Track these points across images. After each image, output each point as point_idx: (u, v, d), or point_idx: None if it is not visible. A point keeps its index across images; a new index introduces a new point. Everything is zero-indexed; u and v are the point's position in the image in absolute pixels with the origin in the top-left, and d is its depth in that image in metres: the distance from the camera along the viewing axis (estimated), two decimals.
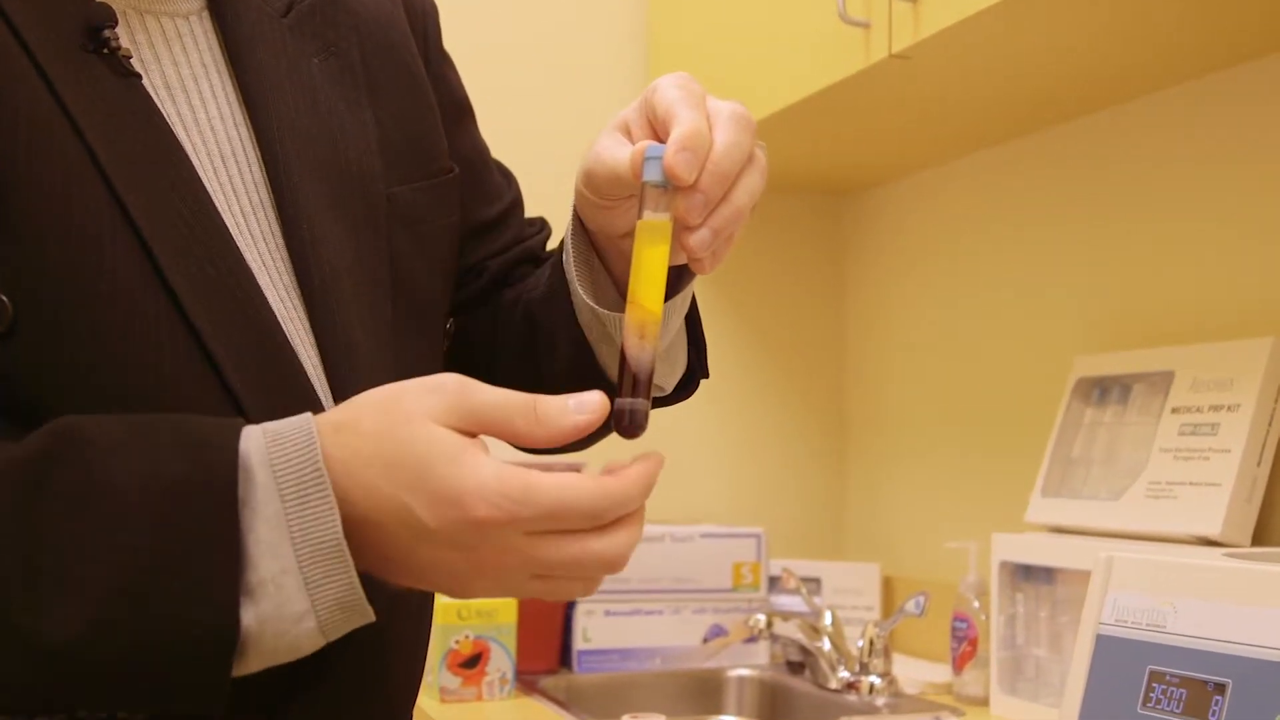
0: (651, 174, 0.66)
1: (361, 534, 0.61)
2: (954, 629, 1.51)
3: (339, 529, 0.59)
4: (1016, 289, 1.67)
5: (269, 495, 0.59)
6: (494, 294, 0.92)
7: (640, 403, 0.65)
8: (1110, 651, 0.90)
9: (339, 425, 0.61)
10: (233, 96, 0.76)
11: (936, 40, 1.27)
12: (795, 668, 1.64)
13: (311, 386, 0.71)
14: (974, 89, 1.45)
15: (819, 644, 1.59)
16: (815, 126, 1.62)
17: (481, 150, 0.95)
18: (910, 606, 1.52)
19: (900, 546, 1.88)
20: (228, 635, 0.58)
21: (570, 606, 1.68)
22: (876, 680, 1.55)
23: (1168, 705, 0.85)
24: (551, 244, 0.97)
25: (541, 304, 0.84)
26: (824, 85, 1.45)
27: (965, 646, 1.50)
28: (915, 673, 1.60)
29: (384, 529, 0.60)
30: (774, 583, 1.80)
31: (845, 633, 1.61)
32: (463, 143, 0.91)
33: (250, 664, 0.60)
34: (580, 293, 0.79)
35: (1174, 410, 1.32)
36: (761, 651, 1.71)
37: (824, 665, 1.58)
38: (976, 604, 1.49)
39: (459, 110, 0.93)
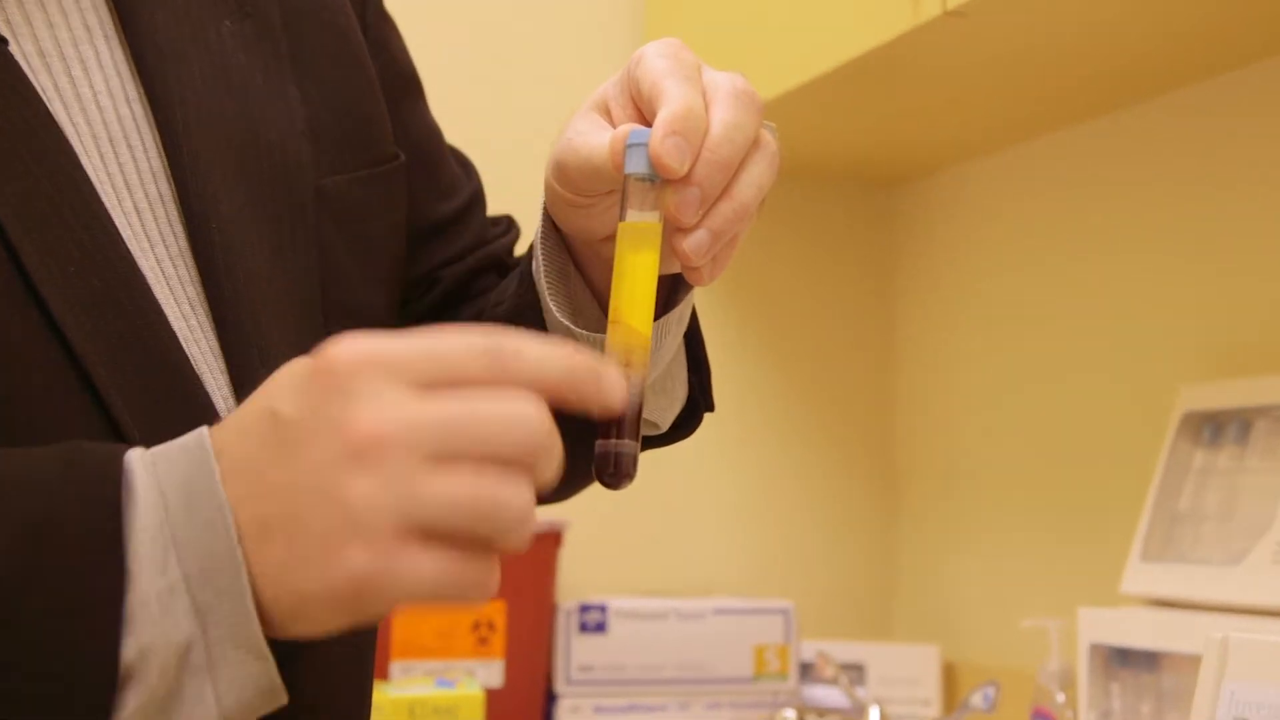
0: (635, 165, 0.67)
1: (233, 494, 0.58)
2: None
3: (232, 533, 0.57)
4: (1107, 302, 1.68)
5: (152, 501, 0.59)
6: (450, 310, 0.93)
7: (627, 445, 0.66)
8: None
9: (233, 419, 0.61)
10: (123, 66, 0.77)
11: None
12: None
13: (220, 419, 0.71)
14: (1050, 52, 1.46)
15: None
16: (854, 101, 1.63)
17: (433, 133, 0.96)
18: (977, 700, 1.53)
19: (964, 625, 1.89)
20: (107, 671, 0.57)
21: (550, 702, 1.69)
22: None
23: None
24: (521, 248, 0.98)
25: (508, 321, 0.85)
26: (864, 50, 1.46)
27: None
28: None
29: (252, 469, 0.58)
30: (806, 670, 1.80)
31: None
32: (410, 124, 0.93)
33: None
34: (553, 310, 0.80)
35: None
36: None
37: None
38: (1061, 697, 1.49)
39: (405, 84, 0.94)
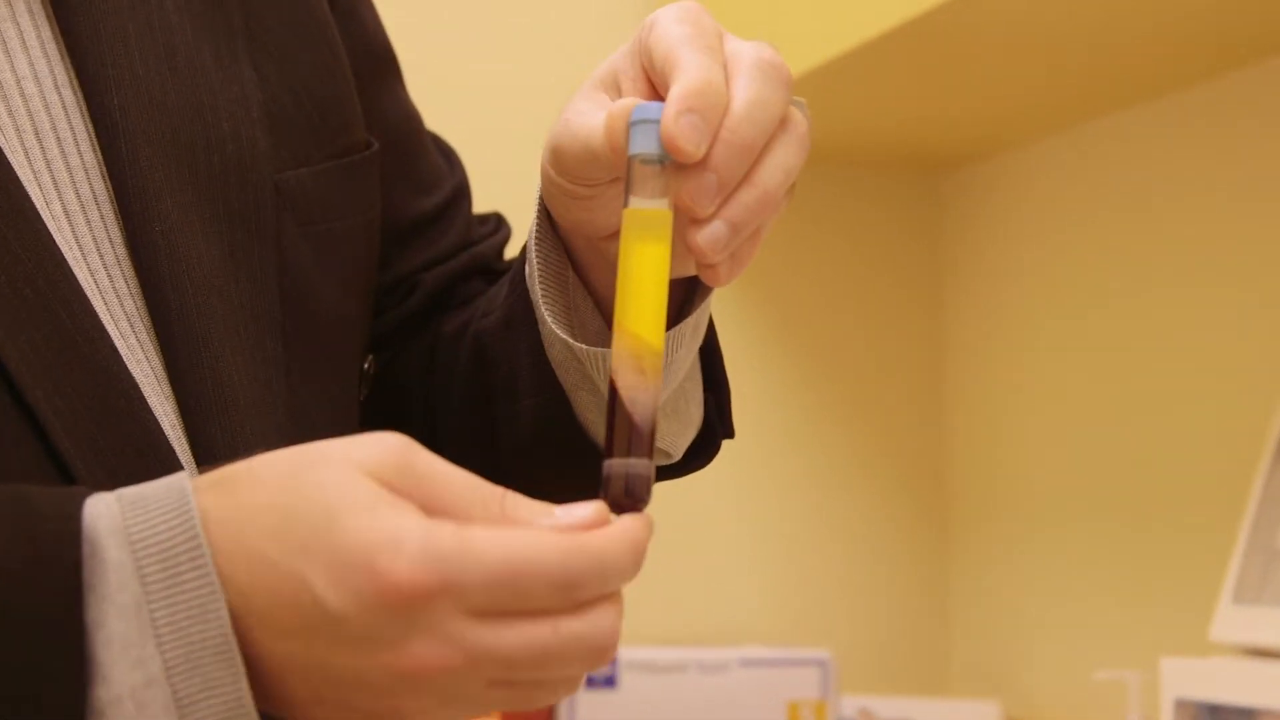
0: (642, 144, 0.67)
1: (249, 638, 0.60)
2: None
3: (225, 617, 0.59)
4: (1194, 309, 1.68)
5: (125, 576, 0.59)
6: (431, 320, 0.94)
7: (639, 464, 0.65)
8: None
9: (223, 478, 0.62)
10: (51, 46, 0.77)
11: None
12: None
13: (170, 450, 0.72)
14: (1127, 13, 1.45)
15: None
16: (897, 76, 1.64)
17: (411, 119, 0.97)
18: None
19: (1029, 677, 1.89)
20: None
21: None
22: None
23: None
24: (514, 250, 0.98)
25: (497, 335, 0.85)
26: (909, 16, 1.45)
27: None
28: None
29: (276, 627, 0.60)
30: None
31: None
32: (384, 108, 0.94)
33: None
34: (548, 321, 0.80)
35: None
36: None
37: None
38: None
39: (378, 63, 0.95)
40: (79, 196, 0.75)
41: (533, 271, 0.81)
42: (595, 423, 0.82)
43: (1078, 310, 1.83)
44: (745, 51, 0.69)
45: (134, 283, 0.75)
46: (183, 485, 0.61)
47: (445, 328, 0.92)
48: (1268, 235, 1.58)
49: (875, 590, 2.02)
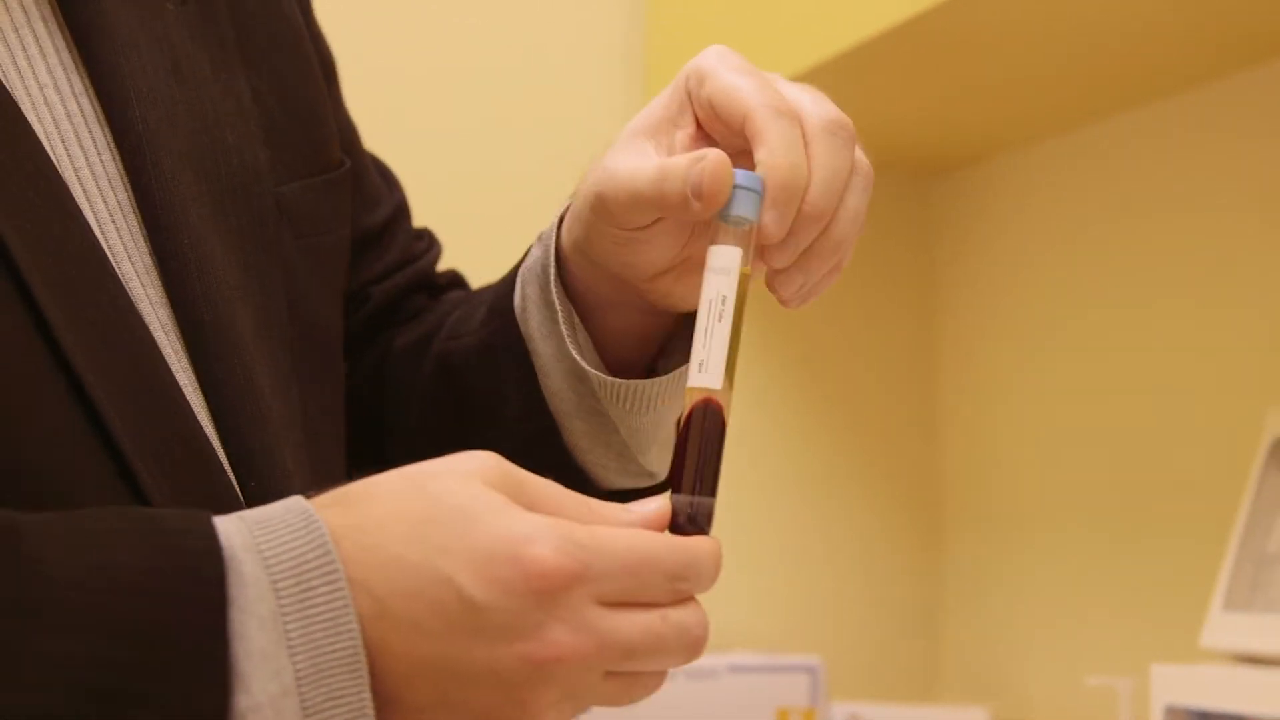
0: (733, 208, 0.72)
1: (382, 644, 0.63)
2: None
3: (355, 629, 0.62)
4: (1186, 312, 1.68)
5: (262, 589, 0.62)
6: (379, 334, 0.97)
7: (705, 502, 0.73)
8: None
9: (339, 498, 0.66)
10: (65, 54, 0.77)
11: None
12: None
13: (215, 456, 0.74)
14: (1128, 16, 1.45)
15: None
16: (891, 78, 1.63)
17: (355, 132, 0.99)
18: None
19: (1020, 684, 1.89)
20: None
21: None
22: None
23: None
24: (479, 271, 1.03)
25: (473, 359, 0.88)
26: (903, 18, 1.45)
27: None
28: None
29: (415, 628, 0.63)
30: None
31: None
32: (340, 121, 0.96)
33: None
34: (575, 355, 0.83)
35: None
36: None
37: None
38: None
39: (331, 75, 0.97)
40: (106, 206, 0.75)
41: (527, 304, 0.85)
42: (584, 449, 0.87)
43: (1071, 316, 1.84)
44: (813, 112, 0.73)
45: (161, 293, 0.76)
46: (304, 505, 0.65)
47: (397, 341, 0.94)
48: (1261, 242, 1.58)
49: (866, 597, 2.02)
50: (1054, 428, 1.85)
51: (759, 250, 0.73)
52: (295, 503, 0.65)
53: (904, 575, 2.03)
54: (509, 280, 0.88)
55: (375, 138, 1.02)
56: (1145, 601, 1.70)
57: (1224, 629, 1.42)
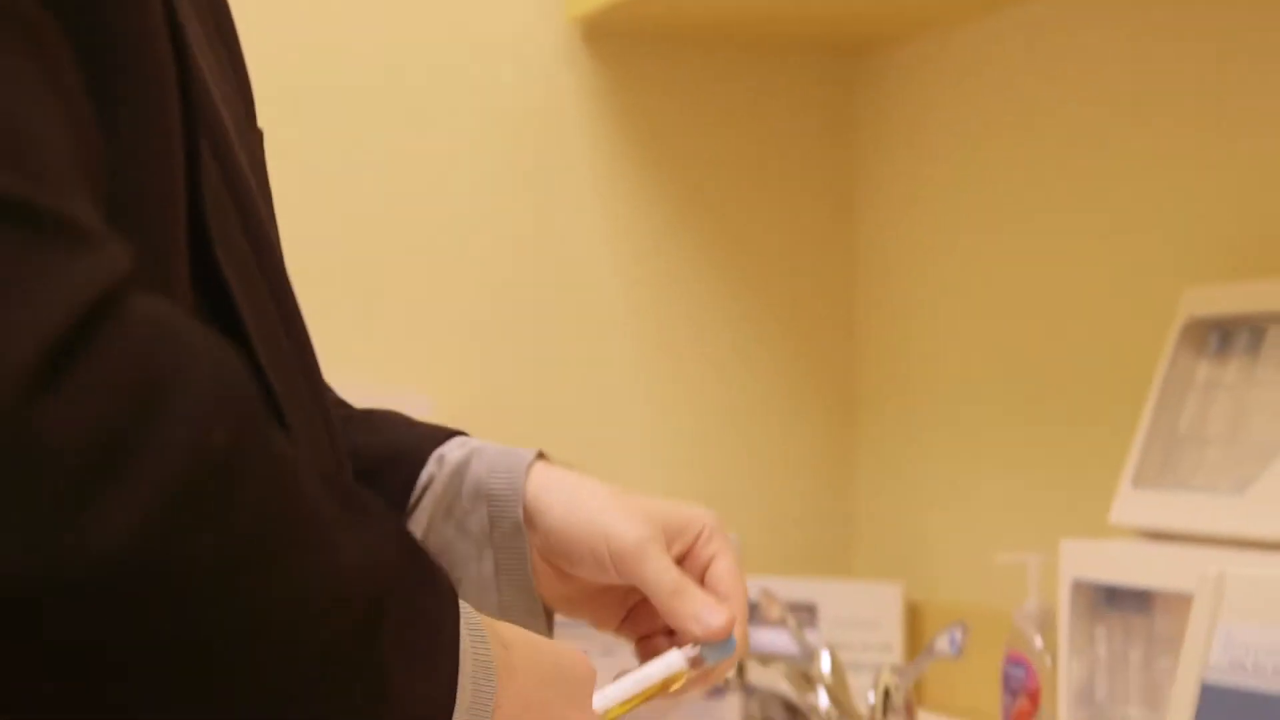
0: (715, 653, 0.96)
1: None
2: (1006, 676, 1.52)
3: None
4: (1101, 193, 1.68)
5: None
6: None
7: None
8: (1220, 708, 0.91)
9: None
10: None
11: None
12: None
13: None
14: None
15: (812, 698, 1.59)
16: None
17: None
18: (943, 644, 1.53)
19: (930, 560, 1.91)
20: None
21: None
22: None
23: None
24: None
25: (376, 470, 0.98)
26: None
27: (1022, 702, 1.51)
28: None
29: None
30: (751, 611, 1.79)
31: (851, 682, 1.61)
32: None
33: None
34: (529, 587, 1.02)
35: None
36: (730, 710, 1.71)
37: None
38: (1039, 642, 1.51)
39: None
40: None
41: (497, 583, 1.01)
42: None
43: (988, 198, 1.83)
44: (737, 583, 1.02)
45: None
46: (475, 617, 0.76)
47: None
48: (1180, 126, 1.58)
49: (780, 473, 2.02)
50: (968, 308, 1.86)
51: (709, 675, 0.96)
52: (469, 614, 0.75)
53: (818, 454, 2.04)
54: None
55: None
56: (1057, 480, 1.71)
57: (1133, 506, 1.44)
